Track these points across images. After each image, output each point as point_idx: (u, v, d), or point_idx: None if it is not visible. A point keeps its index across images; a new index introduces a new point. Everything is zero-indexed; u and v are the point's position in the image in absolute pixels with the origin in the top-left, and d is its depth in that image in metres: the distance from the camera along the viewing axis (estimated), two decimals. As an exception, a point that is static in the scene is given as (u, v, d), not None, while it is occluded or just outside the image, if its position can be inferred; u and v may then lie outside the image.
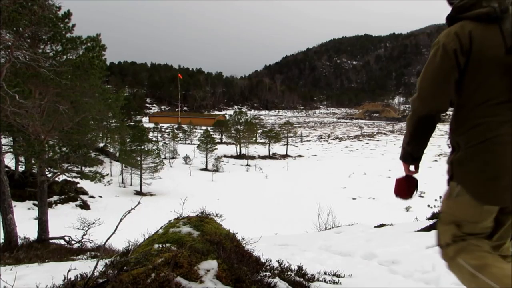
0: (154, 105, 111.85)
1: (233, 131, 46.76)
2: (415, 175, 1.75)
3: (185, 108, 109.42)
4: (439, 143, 55.72)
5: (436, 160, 41.01)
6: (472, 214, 1.51)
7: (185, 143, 52.58)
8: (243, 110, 72.50)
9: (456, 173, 1.56)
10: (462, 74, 1.47)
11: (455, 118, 1.58)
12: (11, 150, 15.76)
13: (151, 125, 62.47)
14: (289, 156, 46.77)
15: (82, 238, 9.33)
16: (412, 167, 1.71)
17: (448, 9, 1.58)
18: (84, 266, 2.86)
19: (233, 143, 47.38)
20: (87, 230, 9.21)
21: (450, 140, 1.64)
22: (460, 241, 1.54)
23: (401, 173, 1.80)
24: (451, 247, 1.56)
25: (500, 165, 1.43)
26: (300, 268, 2.56)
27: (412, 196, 1.76)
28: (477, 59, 1.44)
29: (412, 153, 1.66)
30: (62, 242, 9.61)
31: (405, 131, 1.65)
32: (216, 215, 2.94)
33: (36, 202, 12.57)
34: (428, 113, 1.54)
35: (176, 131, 56.38)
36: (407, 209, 20.80)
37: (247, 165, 40.21)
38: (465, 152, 1.53)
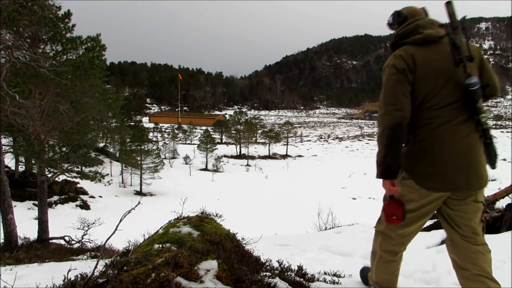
0: (154, 105, 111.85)
1: (233, 131, 46.74)
2: (397, 192, 1.83)
3: (185, 108, 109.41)
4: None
5: (436, 160, 41.00)
6: (410, 193, 1.84)
7: (185, 143, 52.56)
8: (243, 110, 72.53)
9: (404, 163, 1.85)
10: (412, 87, 1.78)
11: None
12: (11, 150, 15.76)
13: (151, 125, 62.44)
14: (289, 156, 46.76)
15: (82, 238, 9.32)
16: (391, 181, 1.80)
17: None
18: (84, 266, 2.86)
19: (233, 143, 47.37)
20: (87, 230, 9.21)
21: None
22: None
23: (380, 201, 1.94)
24: (381, 226, 2.02)
25: (438, 159, 1.76)
26: (300, 268, 2.56)
27: (405, 217, 1.85)
28: (422, 74, 1.77)
29: (391, 166, 1.78)
30: (62, 242, 9.61)
31: (378, 151, 1.83)
32: (216, 215, 2.93)
33: (36, 202, 12.56)
34: (396, 123, 1.74)
35: (176, 131, 56.37)
36: (407, 209, 20.77)
37: (247, 165, 40.21)
38: (413, 147, 1.84)
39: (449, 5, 1.75)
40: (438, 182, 1.77)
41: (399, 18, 1.95)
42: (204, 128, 47.77)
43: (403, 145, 1.84)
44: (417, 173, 1.81)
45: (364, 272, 2.46)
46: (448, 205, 1.87)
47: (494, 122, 79.75)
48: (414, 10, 1.96)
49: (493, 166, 1.84)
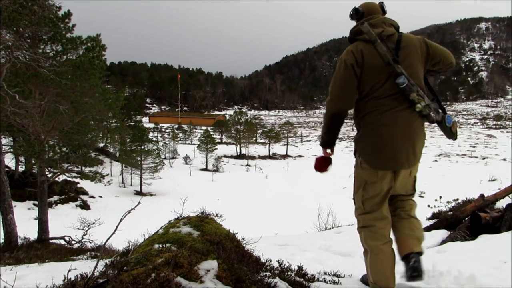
0: (154, 105, 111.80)
1: (233, 131, 46.73)
2: (331, 156, 2.32)
3: (185, 108, 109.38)
4: (439, 143, 55.71)
5: (436, 160, 40.98)
6: (371, 177, 2.13)
7: (185, 143, 52.55)
8: (243, 110, 72.50)
9: (357, 148, 2.20)
10: (359, 80, 2.03)
11: (356, 108, 2.15)
12: (11, 150, 15.77)
13: (151, 125, 62.44)
14: (289, 156, 46.73)
15: (82, 238, 9.32)
16: (328, 150, 2.29)
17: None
18: (84, 266, 2.86)
19: (233, 143, 47.36)
20: (87, 230, 9.21)
21: (354, 124, 2.22)
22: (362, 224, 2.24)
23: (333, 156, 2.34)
24: (360, 223, 2.26)
25: (383, 141, 2.06)
26: (300, 268, 2.56)
27: (328, 170, 2.33)
28: (368, 68, 2.02)
29: (328, 141, 2.25)
30: (62, 242, 9.61)
31: (322, 126, 2.24)
32: (216, 215, 2.93)
33: (36, 202, 12.56)
34: (337, 111, 2.09)
35: (176, 131, 56.37)
36: (407, 209, 20.77)
37: (247, 165, 40.21)
38: (361, 133, 2.15)
39: (363, 26, 2.04)
40: (386, 162, 2.08)
41: (357, 15, 2.17)
42: (204, 128, 47.77)
43: (357, 133, 2.21)
44: (369, 156, 2.13)
45: (364, 279, 2.48)
46: (395, 179, 2.18)
47: (494, 122, 79.72)
48: (371, 7, 2.17)
49: (453, 138, 2.20)
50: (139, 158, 26.78)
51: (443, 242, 3.65)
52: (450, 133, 2.15)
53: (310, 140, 64.63)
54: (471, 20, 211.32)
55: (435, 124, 2.13)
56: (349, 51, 2.07)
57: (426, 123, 2.16)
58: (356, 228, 2.30)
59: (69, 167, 10.94)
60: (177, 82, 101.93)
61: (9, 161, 17.66)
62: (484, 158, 40.52)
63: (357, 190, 2.26)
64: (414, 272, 2.05)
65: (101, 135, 26.89)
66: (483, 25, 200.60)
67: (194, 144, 47.61)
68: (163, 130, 61.37)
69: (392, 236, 2.21)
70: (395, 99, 2.02)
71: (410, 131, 2.05)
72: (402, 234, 2.19)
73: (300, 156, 47.04)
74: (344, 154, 47.68)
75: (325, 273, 2.69)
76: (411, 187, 2.29)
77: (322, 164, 2.32)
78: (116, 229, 1.91)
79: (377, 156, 2.09)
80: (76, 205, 19.11)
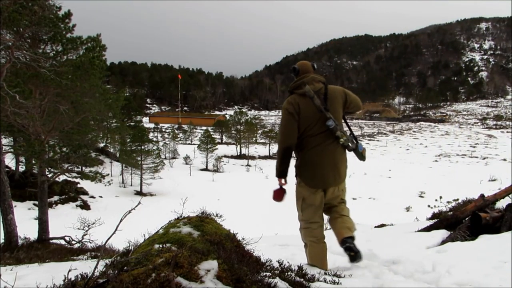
0: (155, 105, 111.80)
1: (233, 131, 46.70)
2: (284, 186, 2.94)
3: (185, 108, 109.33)
4: (439, 143, 55.70)
5: (436, 161, 40.97)
6: (308, 192, 2.91)
7: (185, 143, 52.53)
8: (244, 110, 72.41)
9: (297, 172, 2.97)
10: (299, 123, 2.75)
11: (296, 144, 2.84)
12: (12, 150, 15.77)
13: (152, 125, 62.42)
14: (289, 156, 46.61)
15: (83, 238, 9.33)
16: (283, 181, 2.93)
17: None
18: (85, 266, 2.87)
19: (233, 143, 47.34)
20: (87, 230, 9.22)
21: (295, 154, 2.95)
22: (304, 224, 3.00)
23: (287, 186, 2.96)
24: (301, 225, 3.05)
25: (315, 168, 2.83)
26: (300, 268, 2.56)
27: (283, 200, 2.95)
28: (303, 115, 2.74)
29: (282, 171, 2.90)
30: (62, 242, 9.62)
31: (276, 161, 2.92)
32: (217, 215, 2.93)
33: (36, 202, 12.57)
34: (287, 146, 2.81)
35: (176, 131, 56.32)
36: (407, 209, 20.77)
37: (248, 165, 40.19)
38: (300, 161, 2.92)
39: (306, 88, 2.73)
40: (317, 182, 2.86)
41: (294, 72, 2.92)
42: (204, 128, 47.74)
43: (296, 160, 2.95)
44: (305, 178, 2.89)
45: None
46: (325, 193, 2.92)
47: (494, 122, 79.61)
48: (305, 67, 2.91)
49: (362, 160, 3.02)
50: (139, 158, 26.77)
51: (443, 242, 3.65)
52: (361, 156, 2.97)
53: (310, 140, 64.52)
54: (471, 20, 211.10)
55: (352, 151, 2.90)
56: (289, 102, 2.79)
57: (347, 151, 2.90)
58: (298, 228, 3.08)
59: (69, 167, 10.94)
60: (177, 82, 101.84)
61: (9, 161, 17.67)
62: (484, 158, 40.50)
63: (297, 202, 3.02)
64: (350, 251, 2.73)
65: (101, 135, 26.85)
66: (483, 25, 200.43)
67: (194, 144, 47.60)
68: (163, 130, 61.34)
69: (332, 234, 2.96)
70: (324, 136, 2.77)
71: (335, 159, 2.81)
72: (337, 228, 2.89)
73: (300, 156, 47.01)
74: (344, 154, 47.76)
75: (325, 273, 2.69)
76: (340, 198, 3.02)
77: (280, 195, 2.94)
78: (116, 229, 1.91)
79: (312, 178, 2.86)
80: (76, 205, 19.11)
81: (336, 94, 2.82)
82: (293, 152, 2.87)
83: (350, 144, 2.79)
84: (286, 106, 2.77)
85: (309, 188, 2.87)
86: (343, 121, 2.88)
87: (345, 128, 2.91)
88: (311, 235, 2.93)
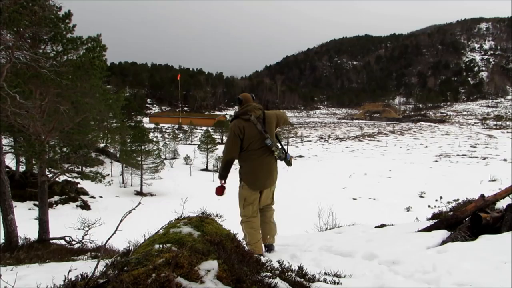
0: (155, 105, 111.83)
1: (233, 132, 46.59)
2: (225, 185, 3.90)
3: (185, 108, 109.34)
4: (439, 143, 55.64)
5: (436, 161, 40.93)
6: (249, 193, 3.87)
7: (186, 144, 52.56)
8: (244, 110, 72.14)
9: (241, 177, 3.93)
10: (242, 141, 3.72)
11: (240, 156, 3.83)
12: (12, 150, 15.78)
13: (152, 125, 62.42)
14: (290, 156, 46.56)
15: (83, 238, 9.32)
16: (223, 181, 3.91)
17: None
18: (85, 267, 2.87)
19: (233, 144, 47.21)
20: (87, 230, 9.21)
21: (239, 163, 3.92)
22: (245, 219, 3.90)
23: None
24: (242, 220, 3.92)
25: (255, 175, 3.84)
26: (300, 268, 2.56)
27: (224, 195, 3.84)
28: (247, 135, 3.70)
29: (224, 175, 3.92)
30: (62, 242, 9.61)
31: (219, 168, 3.96)
32: (217, 215, 2.94)
33: (36, 203, 12.56)
34: (230, 158, 3.84)
35: (176, 132, 56.37)
36: (408, 209, 20.75)
37: (248, 165, 40.09)
38: (243, 169, 3.89)
39: (251, 118, 3.69)
40: (257, 185, 3.85)
41: (239, 101, 3.84)
42: (204, 128, 47.74)
43: (240, 168, 3.90)
44: (248, 182, 3.86)
45: None
46: (261, 194, 3.93)
47: (495, 122, 79.61)
48: (246, 98, 3.84)
49: (289, 165, 4.09)
50: (139, 159, 26.77)
51: (443, 242, 3.64)
52: (289, 163, 3.96)
53: (310, 141, 64.63)
54: (471, 21, 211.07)
55: (283, 160, 3.91)
56: (236, 125, 3.70)
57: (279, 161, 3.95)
58: (239, 222, 3.88)
59: (69, 168, 10.94)
60: (178, 83, 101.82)
61: (9, 161, 17.67)
62: (484, 159, 40.46)
63: (240, 201, 3.91)
64: (269, 250, 3.96)
65: (101, 136, 26.75)
66: (483, 26, 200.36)
67: (194, 144, 47.61)
68: (163, 130, 61.36)
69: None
70: (262, 150, 3.76)
71: (270, 168, 3.85)
72: (264, 233, 3.98)
73: (300, 156, 47.02)
74: (345, 155, 47.83)
75: (325, 273, 2.69)
76: (271, 199, 4.07)
77: (220, 191, 3.86)
78: (116, 230, 1.91)
79: (253, 183, 3.83)
80: (77, 205, 19.10)
81: (271, 119, 3.82)
82: (234, 161, 3.83)
83: (281, 155, 3.80)
84: (233, 128, 3.69)
85: (250, 190, 3.83)
86: (275, 138, 3.87)
87: (277, 143, 3.87)
88: (251, 227, 3.83)
